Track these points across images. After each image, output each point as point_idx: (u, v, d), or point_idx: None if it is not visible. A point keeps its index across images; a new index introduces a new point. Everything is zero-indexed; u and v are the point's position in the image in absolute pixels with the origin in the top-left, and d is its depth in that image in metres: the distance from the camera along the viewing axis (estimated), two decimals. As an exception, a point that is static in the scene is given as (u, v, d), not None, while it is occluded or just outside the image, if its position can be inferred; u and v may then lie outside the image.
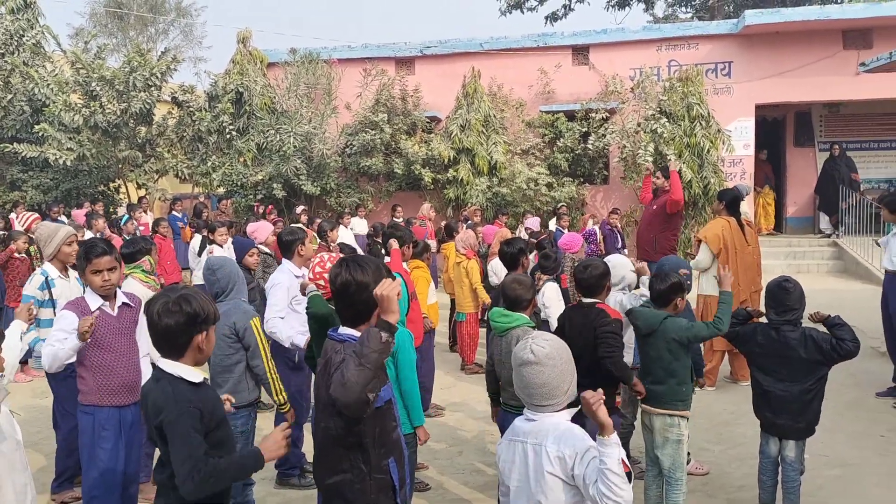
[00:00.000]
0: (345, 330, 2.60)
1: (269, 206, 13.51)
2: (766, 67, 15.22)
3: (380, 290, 2.45)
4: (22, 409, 7.01)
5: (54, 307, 4.87)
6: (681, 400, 4.21)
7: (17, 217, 11.68)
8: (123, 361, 4.01)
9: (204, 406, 2.60)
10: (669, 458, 4.20)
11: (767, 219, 16.54)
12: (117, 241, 8.69)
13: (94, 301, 3.98)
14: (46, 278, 5.02)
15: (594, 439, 2.46)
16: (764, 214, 16.49)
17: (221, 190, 16.22)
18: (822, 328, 4.30)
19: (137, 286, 5.25)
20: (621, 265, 5.20)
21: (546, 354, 2.53)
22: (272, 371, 4.24)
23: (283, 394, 4.26)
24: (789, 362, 4.23)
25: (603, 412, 2.39)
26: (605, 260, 5.25)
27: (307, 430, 5.24)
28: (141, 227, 11.88)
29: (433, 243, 11.33)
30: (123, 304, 4.12)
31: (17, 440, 2.78)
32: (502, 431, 4.24)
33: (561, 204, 13.96)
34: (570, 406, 2.61)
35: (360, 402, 2.33)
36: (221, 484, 2.53)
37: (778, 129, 17.38)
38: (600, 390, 2.46)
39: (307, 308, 3.79)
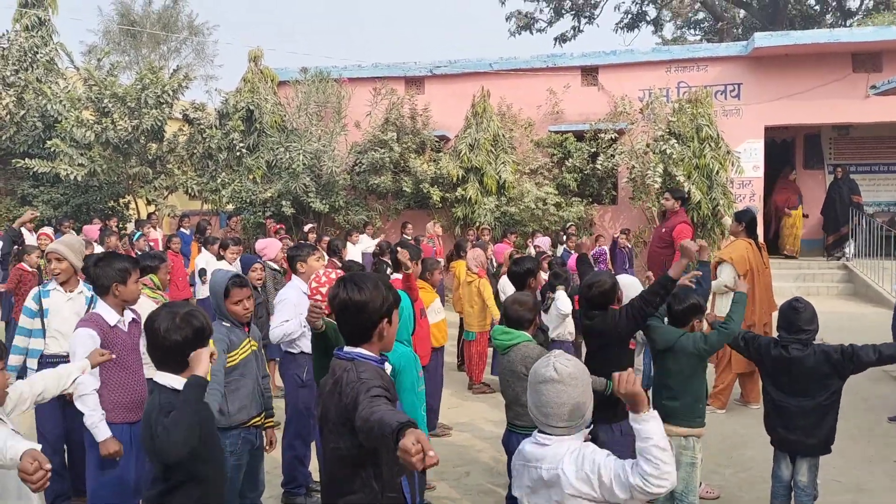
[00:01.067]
0: (352, 349, 2.58)
1: (279, 224, 13.54)
2: (776, 90, 15.22)
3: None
4: (27, 427, 6.98)
5: (42, 318, 4.83)
6: (697, 416, 4.17)
7: (29, 232, 11.71)
8: (136, 377, 4.02)
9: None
10: (682, 481, 4.14)
11: (794, 241, 16.13)
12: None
13: (111, 317, 3.97)
14: (39, 290, 4.99)
15: (611, 451, 2.42)
16: (791, 236, 16.12)
17: (231, 207, 16.27)
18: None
19: (145, 301, 5.24)
20: (630, 285, 5.16)
21: (569, 374, 2.47)
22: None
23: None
24: (800, 378, 4.19)
25: (638, 386, 2.32)
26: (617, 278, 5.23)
27: (313, 448, 5.21)
28: (150, 244, 11.90)
29: (441, 261, 11.32)
30: (133, 320, 4.11)
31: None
32: (508, 453, 4.21)
33: (570, 224, 13.94)
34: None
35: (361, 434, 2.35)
36: (185, 429, 2.55)
37: (787, 151, 17.35)
38: (630, 369, 2.41)
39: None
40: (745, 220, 7.32)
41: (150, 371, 4.51)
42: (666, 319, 4.86)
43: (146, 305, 4.92)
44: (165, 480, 2.68)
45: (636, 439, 2.33)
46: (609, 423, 4.00)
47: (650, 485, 2.26)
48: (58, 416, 4.82)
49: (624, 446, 3.99)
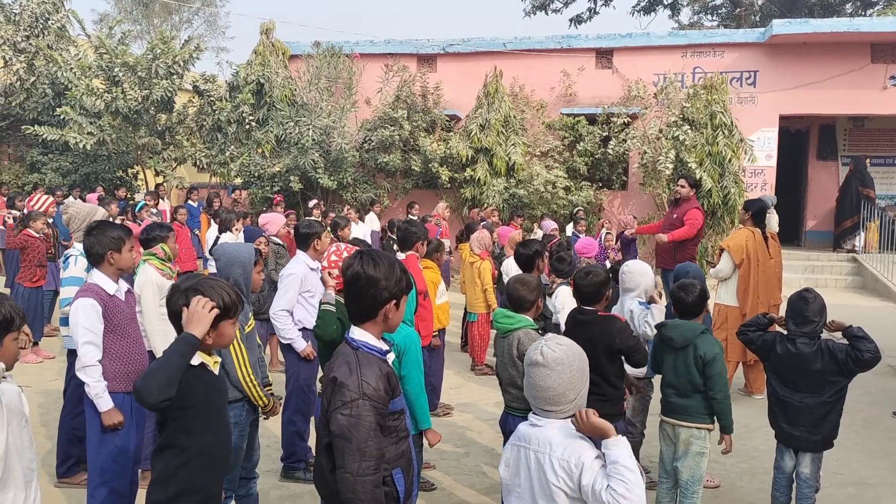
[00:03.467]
0: (358, 336, 2.55)
1: (279, 197, 13.46)
2: (792, 78, 15.04)
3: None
4: (30, 391, 7.02)
5: None
6: (709, 414, 4.11)
7: (33, 200, 11.71)
8: (136, 347, 4.00)
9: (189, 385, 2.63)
10: (689, 470, 4.10)
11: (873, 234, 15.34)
12: (133, 228, 8.71)
13: (109, 286, 3.94)
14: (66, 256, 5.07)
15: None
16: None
17: (239, 180, 16.25)
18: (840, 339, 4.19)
19: (153, 273, 5.21)
20: (640, 272, 5.04)
21: (555, 359, 2.45)
22: (247, 377, 3.90)
23: (263, 399, 4.05)
24: (806, 374, 4.14)
25: (596, 421, 2.34)
26: (623, 266, 5.15)
27: (313, 424, 5.19)
28: (158, 215, 11.89)
29: (448, 242, 11.28)
30: (128, 290, 4.09)
31: (25, 416, 2.74)
32: (504, 434, 4.18)
33: (578, 208, 13.85)
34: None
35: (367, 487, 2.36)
36: (162, 376, 2.50)
37: (801, 141, 17.17)
38: (587, 410, 2.40)
39: (315, 328, 3.76)
40: (753, 209, 7.31)
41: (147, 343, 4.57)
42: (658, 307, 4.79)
43: (155, 276, 4.90)
44: (170, 450, 2.67)
45: (606, 461, 2.33)
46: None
47: (621, 503, 2.26)
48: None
49: None
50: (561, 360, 2.45)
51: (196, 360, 2.68)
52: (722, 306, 7.12)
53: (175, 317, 2.70)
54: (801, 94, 14.98)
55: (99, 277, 3.94)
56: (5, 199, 13.52)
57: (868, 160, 15.87)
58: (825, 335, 4.24)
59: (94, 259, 3.99)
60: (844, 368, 4.07)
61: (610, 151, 14.76)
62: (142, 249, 5.27)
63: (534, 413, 2.54)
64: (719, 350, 4.10)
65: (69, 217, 5.27)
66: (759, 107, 15.16)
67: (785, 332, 4.28)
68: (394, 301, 2.55)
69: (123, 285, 4.08)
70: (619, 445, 2.30)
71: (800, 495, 4.30)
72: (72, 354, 5.00)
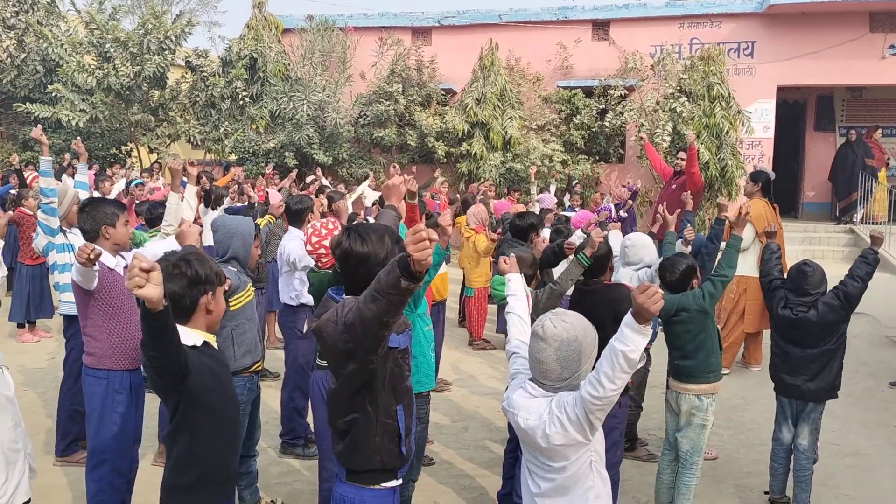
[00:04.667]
0: (346, 294, 2.52)
1: (272, 171, 13.34)
2: (790, 49, 14.90)
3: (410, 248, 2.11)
4: (28, 371, 7.01)
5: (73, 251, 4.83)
6: (712, 371, 4.13)
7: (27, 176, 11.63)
8: (134, 323, 3.97)
9: (210, 369, 2.57)
10: (690, 441, 4.12)
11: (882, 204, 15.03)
12: (128, 204, 8.66)
13: (108, 260, 3.91)
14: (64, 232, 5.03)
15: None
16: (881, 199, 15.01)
17: (233, 157, 16.13)
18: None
19: (161, 248, 5.21)
20: (642, 245, 5.02)
21: (553, 335, 2.42)
22: None
23: None
24: (804, 332, 4.24)
25: (656, 307, 2.16)
26: (626, 239, 5.13)
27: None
28: (153, 192, 11.80)
29: (447, 214, 11.22)
30: (125, 265, 4.06)
31: (7, 396, 2.71)
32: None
33: (576, 181, 13.79)
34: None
35: (375, 322, 2.18)
36: (151, 343, 2.28)
37: (798, 112, 17.08)
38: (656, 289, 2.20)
39: (309, 287, 3.75)
40: (761, 180, 7.30)
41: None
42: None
43: (161, 253, 4.86)
44: (186, 433, 2.57)
45: (615, 339, 2.24)
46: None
47: (601, 385, 2.23)
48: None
49: (620, 419, 3.96)
50: (559, 336, 2.42)
51: (199, 339, 2.61)
52: (741, 277, 7.00)
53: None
54: (798, 64, 14.86)
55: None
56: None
57: (880, 130, 15.71)
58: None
59: (89, 235, 3.96)
60: (841, 313, 4.19)
61: (607, 124, 14.67)
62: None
63: (530, 381, 2.54)
64: (698, 291, 4.16)
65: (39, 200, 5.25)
66: (757, 78, 15.04)
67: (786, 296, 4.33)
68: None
69: (122, 260, 4.04)
70: (642, 335, 2.19)
71: (797, 466, 4.32)
72: (70, 323, 4.98)
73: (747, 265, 7.01)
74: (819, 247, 14.28)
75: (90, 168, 13.92)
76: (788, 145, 16.76)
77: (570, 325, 2.45)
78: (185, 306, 2.59)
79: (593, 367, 2.37)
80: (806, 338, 4.23)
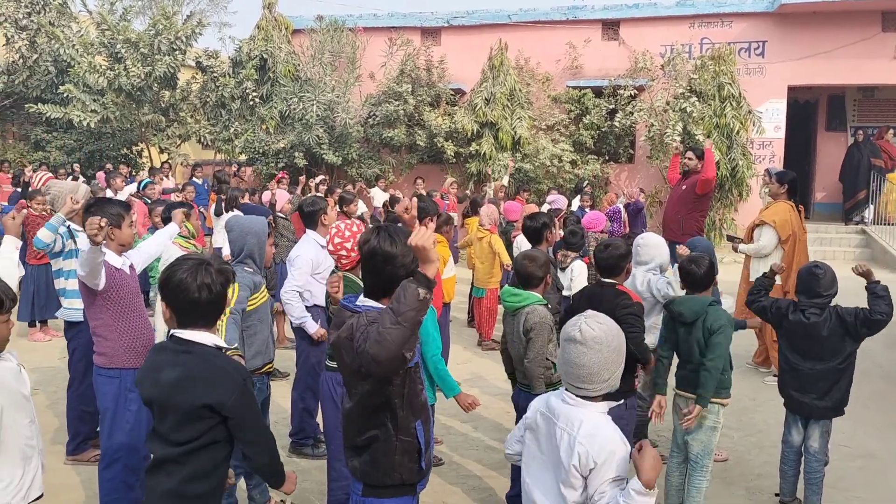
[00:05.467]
0: (365, 301, 2.51)
1: (282, 172, 13.40)
2: (801, 48, 14.82)
3: (414, 240, 2.26)
4: (40, 370, 7.05)
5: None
6: (722, 388, 4.08)
7: (34, 177, 11.71)
8: (143, 321, 4.00)
9: (245, 371, 2.65)
10: (701, 444, 4.09)
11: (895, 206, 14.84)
12: (140, 205, 8.70)
13: (114, 260, 3.94)
14: (70, 228, 5.01)
15: (626, 436, 2.39)
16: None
17: (243, 157, 16.19)
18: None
19: (177, 251, 5.22)
20: (654, 245, 4.98)
21: (593, 337, 2.40)
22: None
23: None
24: (815, 342, 4.16)
25: (647, 464, 2.23)
26: (639, 238, 5.09)
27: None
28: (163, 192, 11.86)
29: (456, 216, 11.25)
30: (131, 264, 4.09)
31: (23, 393, 2.75)
32: (517, 409, 4.17)
33: (586, 182, 13.76)
34: (609, 397, 2.49)
35: (395, 360, 2.21)
36: (278, 464, 2.68)
37: (810, 112, 16.99)
38: (651, 452, 2.28)
39: (327, 308, 3.74)
40: (787, 180, 6.93)
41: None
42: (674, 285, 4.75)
43: (177, 254, 4.89)
44: (216, 445, 2.59)
45: (623, 497, 2.25)
46: (616, 399, 3.92)
47: None
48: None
49: (629, 421, 3.94)
50: (599, 338, 2.40)
51: (221, 341, 2.61)
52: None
53: (193, 298, 2.50)
54: (810, 64, 14.78)
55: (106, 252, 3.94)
56: (10, 176, 13.52)
57: (892, 130, 15.60)
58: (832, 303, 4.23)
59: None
60: (852, 332, 4.09)
61: (616, 124, 14.64)
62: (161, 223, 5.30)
63: (566, 389, 2.50)
64: (727, 322, 4.06)
65: (52, 197, 5.26)
66: (768, 77, 14.97)
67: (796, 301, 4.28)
68: (411, 278, 2.48)
69: (128, 260, 4.07)
70: (651, 496, 2.22)
71: (808, 468, 4.30)
72: (70, 327, 5.02)
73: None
74: (830, 248, 14.19)
75: (102, 169, 14.04)
76: (800, 145, 16.67)
77: (605, 325, 2.44)
78: (218, 312, 2.58)
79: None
80: (814, 348, 4.15)
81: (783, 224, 6.64)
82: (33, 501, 2.80)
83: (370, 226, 3.51)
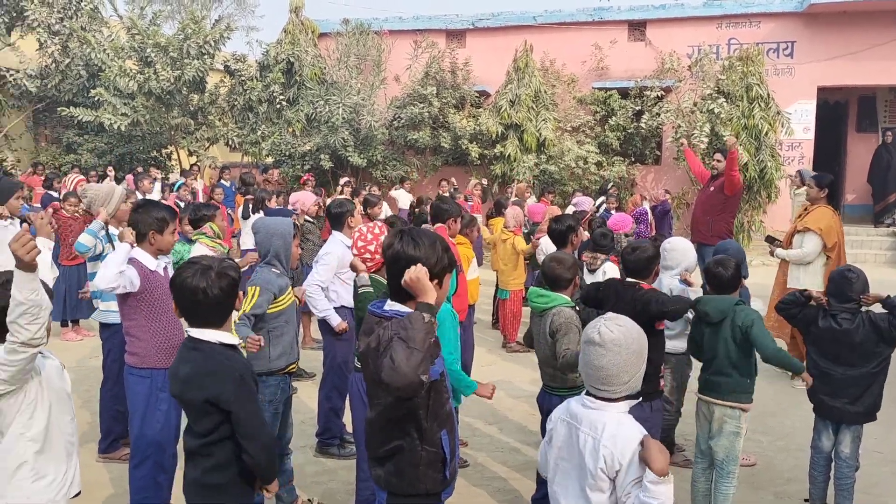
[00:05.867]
0: (392, 306, 2.52)
1: (308, 175, 13.49)
2: (831, 48, 14.63)
3: (405, 278, 2.38)
4: (71, 369, 7.17)
5: None
6: (745, 392, 4.04)
7: (66, 180, 11.92)
8: (174, 323, 4.05)
9: (249, 369, 2.68)
10: (724, 449, 4.05)
11: None
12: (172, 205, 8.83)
13: (149, 262, 4.00)
14: (108, 231, 5.12)
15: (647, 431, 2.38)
16: None
17: (270, 159, 16.34)
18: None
19: (205, 251, 5.30)
20: (682, 250, 4.89)
21: (612, 339, 2.40)
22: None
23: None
24: (847, 348, 4.10)
25: (652, 455, 2.27)
26: (665, 243, 5.04)
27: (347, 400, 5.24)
28: (191, 194, 12.01)
29: (480, 217, 11.24)
30: (166, 266, 4.15)
31: (66, 392, 2.82)
32: (542, 412, 4.16)
33: (611, 184, 13.68)
34: (630, 397, 2.49)
35: (412, 385, 2.25)
36: (274, 465, 2.72)
37: (840, 112, 16.75)
38: (653, 442, 2.31)
39: (356, 310, 3.75)
40: (826, 183, 6.65)
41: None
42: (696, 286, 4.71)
43: (206, 254, 4.96)
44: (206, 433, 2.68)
45: (642, 492, 2.27)
46: (640, 402, 3.89)
47: None
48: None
49: (654, 423, 3.92)
50: (618, 340, 2.40)
51: (235, 339, 2.70)
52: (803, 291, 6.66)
53: (202, 298, 2.62)
54: (839, 64, 14.59)
55: (139, 253, 4.00)
56: (42, 178, 13.75)
57: None
58: (864, 308, 4.17)
59: (137, 236, 4.06)
60: (887, 337, 4.03)
61: (643, 125, 14.56)
62: (190, 229, 5.36)
63: (587, 392, 2.51)
64: (756, 316, 4.03)
65: (89, 201, 5.36)
66: (797, 78, 14.80)
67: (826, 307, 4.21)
68: (436, 281, 2.49)
69: (163, 262, 4.13)
70: (668, 483, 2.25)
71: (839, 474, 4.24)
72: (105, 328, 5.10)
73: (811, 278, 6.40)
74: (861, 250, 13.98)
75: (131, 172, 14.24)
76: (829, 147, 16.44)
77: (625, 328, 2.44)
78: (228, 312, 2.67)
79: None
80: (846, 354, 4.09)
81: (829, 231, 6.40)
82: (73, 498, 2.86)
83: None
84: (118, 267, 3.80)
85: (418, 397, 2.40)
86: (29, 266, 2.39)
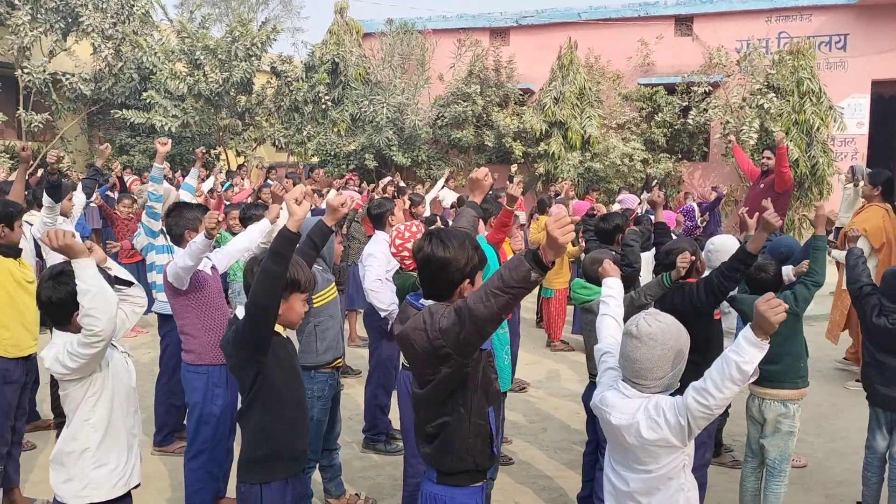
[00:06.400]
0: (427, 302, 2.56)
1: (351, 173, 13.64)
2: (885, 41, 14.22)
3: (549, 227, 2.20)
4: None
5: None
6: (800, 377, 4.00)
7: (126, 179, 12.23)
8: (225, 318, 4.16)
9: (273, 349, 2.83)
10: (778, 449, 4.00)
11: None
12: (213, 205, 9.01)
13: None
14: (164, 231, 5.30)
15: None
16: None
17: (315, 159, 16.55)
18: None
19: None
20: (726, 249, 4.82)
21: (648, 333, 2.42)
22: None
23: None
24: None
25: (779, 318, 2.21)
26: (709, 243, 4.97)
27: (394, 398, 5.30)
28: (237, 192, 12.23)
29: (523, 215, 11.23)
30: (213, 265, 4.26)
31: (131, 384, 2.93)
32: (586, 407, 4.17)
33: (655, 181, 13.52)
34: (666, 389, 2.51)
35: (494, 321, 2.23)
36: (269, 279, 2.65)
37: (895, 107, 16.27)
38: (775, 301, 2.25)
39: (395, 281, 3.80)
40: (881, 181, 6.48)
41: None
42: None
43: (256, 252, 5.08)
44: (258, 411, 2.83)
45: (730, 350, 2.26)
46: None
47: (709, 394, 2.24)
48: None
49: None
50: (654, 335, 2.42)
51: (278, 328, 2.83)
52: None
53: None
54: (894, 57, 14.16)
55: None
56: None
57: None
58: None
59: (175, 238, 4.19)
60: None
61: (690, 122, 14.36)
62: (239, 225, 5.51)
63: (623, 381, 2.54)
64: (789, 293, 3.99)
65: (144, 200, 5.53)
66: (850, 72, 14.43)
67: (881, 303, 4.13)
68: (468, 280, 2.52)
69: (209, 261, 4.24)
70: (760, 348, 2.24)
71: (893, 475, 4.14)
72: (164, 321, 5.24)
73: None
74: (918, 248, 13.56)
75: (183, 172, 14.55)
76: (884, 142, 15.98)
77: (664, 324, 2.45)
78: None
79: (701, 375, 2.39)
80: None
81: (875, 231, 6.26)
82: (132, 489, 2.97)
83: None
84: (203, 251, 3.83)
85: (470, 367, 2.42)
86: (77, 252, 2.50)
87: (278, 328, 2.88)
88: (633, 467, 2.51)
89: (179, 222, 4.20)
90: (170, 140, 5.73)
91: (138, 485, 3.00)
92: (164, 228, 4.37)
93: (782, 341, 3.97)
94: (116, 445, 2.83)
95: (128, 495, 2.92)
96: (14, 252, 4.35)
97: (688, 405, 2.32)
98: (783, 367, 3.99)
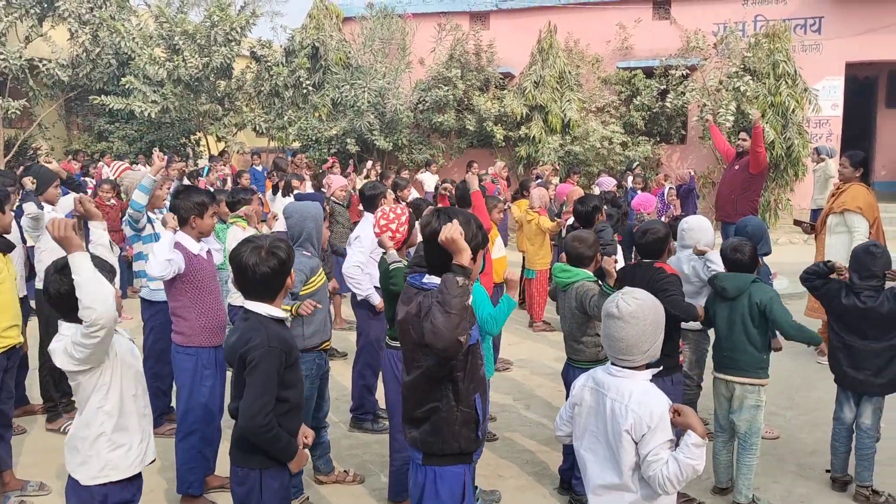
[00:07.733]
0: (430, 279, 2.67)
1: (332, 159, 13.65)
2: (859, 24, 14.42)
3: (442, 236, 2.49)
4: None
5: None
6: (761, 368, 4.13)
7: (107, 166, 12.19)
8: (218, 303, 4.25)
9: (287, 346, 2.80)
10: (746, 423, 4.15)
11: None
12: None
13: (192, 246, 4.18)
14: (147, 213, 5.32)
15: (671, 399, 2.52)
16: None
17: (297, 144, 16.53)
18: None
19: (241, 234, 5.49)
20: (700, 229, 4.87)
21: (630, 312, 2.55)
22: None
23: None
24: (870, 324, 4.17)
25: (689, 421, 2.47)
26: (683, 222, 5.10)
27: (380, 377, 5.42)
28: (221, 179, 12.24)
29: (504, 199, 11.33)
30: (209, 249, 4.33)
31: (138, 368, 3.04)
32: (566, 385, 4.30)
33: (636, 163, 13.69)
34: (651, 366, 2.63)
35: (453, 346, 2.41)
36: (269, 446, 2.74)
37: (869, 88, 16.53)
38: (689, 409, 2.51)
39: (390, 284, 3.90)
40: (859, 161, 6.56)
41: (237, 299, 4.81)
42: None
43: (241, 237, 5.14)
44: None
45: (682, 452, 2.45)
46: (661, 376, 3.99)
47: (667, 480, 2.44)
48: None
49: (675, 397, 4.03)
50: (634, 313, 2.55)
51: (283, 314, 2.87)
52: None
53: (250, 275, 2.79)
54: (869, 39, 14.38)
55: (182, 237, 4.18)
56: (80, 166, 14.09)
57: None
58: (888, 284, 4.23)
59: (179, 221, 4.23)
60: None
61: (668, 105, 14.51)
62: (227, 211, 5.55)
63: (612, 363, 2.66)
64: (774, 294, 4.12)
65: (126, 188, 5.56)
66: (825, 54, 14.63)
67: (848, 282, 4.27)
68: (471, 256, 2.63)
69: (205, 245, 4.31)
70: (699, 447, 2.44)
71: (860, 445, 4.33)
72: (148, 307, 5.29)
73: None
74: (891, 227, 13.81)
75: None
76: (858, 123, 16.26)
77: (641, 300, 2.59)
78: (275, 288, 2.84)
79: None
80: (870, 329, 4.17)
81: (868, 208, 6.38)
82: (148, 465, 3.11)
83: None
84: (166, 255, 3.98)
85: (458, 359, 2.55)
86: (74, 246, 2.58)
87: (284, 314, 2.92)
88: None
89: (186, 205, 4.21)
90: (166, 157, 5.71)
91: (154, 460, 3.13)
92: (171, 210, 4.38)
93: (752, 336, 4.09)
94: (130, 427, 2.95)
95: (139, 473, 3.05)
96: (7, 247, 4.36)
97: (652, 475, 2.48)
98: (746, 356, 4.12)
